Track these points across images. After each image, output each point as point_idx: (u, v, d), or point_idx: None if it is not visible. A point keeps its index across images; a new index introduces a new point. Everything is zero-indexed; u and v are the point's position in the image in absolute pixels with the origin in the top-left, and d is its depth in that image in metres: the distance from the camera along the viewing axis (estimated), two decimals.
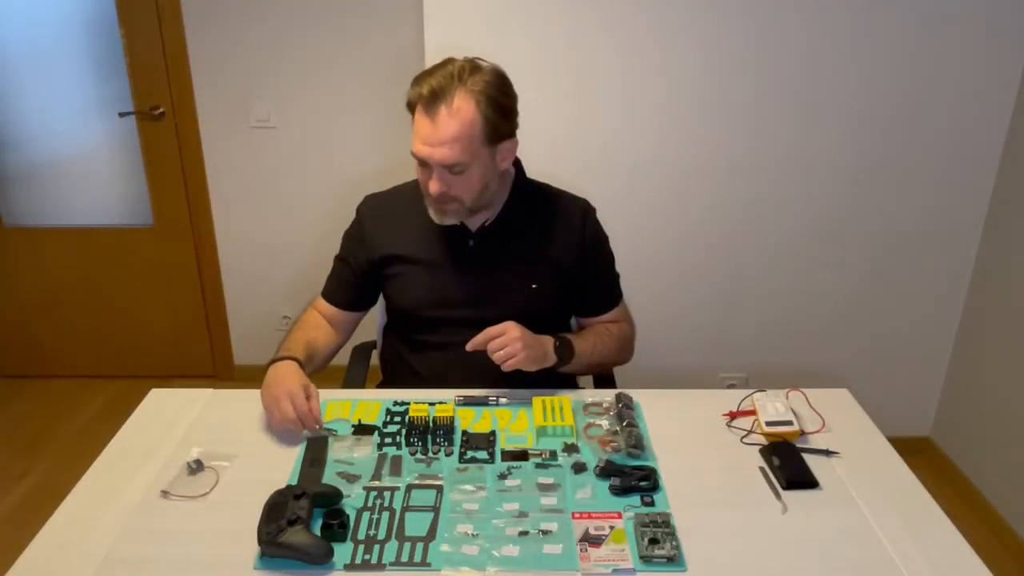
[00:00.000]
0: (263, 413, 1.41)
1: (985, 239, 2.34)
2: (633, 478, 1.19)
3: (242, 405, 1.45)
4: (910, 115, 2.22)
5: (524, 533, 1.10)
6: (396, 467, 1.25)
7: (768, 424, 1.32)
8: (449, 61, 1.37)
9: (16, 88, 2.77)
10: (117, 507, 1.16)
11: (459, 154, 1.34)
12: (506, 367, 1.36)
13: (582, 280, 1.57)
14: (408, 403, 1.42)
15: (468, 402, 1.42)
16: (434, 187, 1.38)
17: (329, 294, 1.64)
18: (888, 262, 2.39)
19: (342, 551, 1.06)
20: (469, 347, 1.37)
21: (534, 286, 1.52)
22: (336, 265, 1.64)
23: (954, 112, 2.21)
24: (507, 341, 1.36)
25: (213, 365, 3.12)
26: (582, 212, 1.57)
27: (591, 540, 1.09)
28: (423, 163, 1.39)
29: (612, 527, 1.11)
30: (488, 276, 1.52)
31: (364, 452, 1.29)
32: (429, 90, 1.33)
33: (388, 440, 1.32)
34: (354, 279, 1.60)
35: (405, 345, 1.60)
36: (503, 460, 1.27)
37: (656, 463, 1.26)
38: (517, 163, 1.57)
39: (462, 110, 1.33)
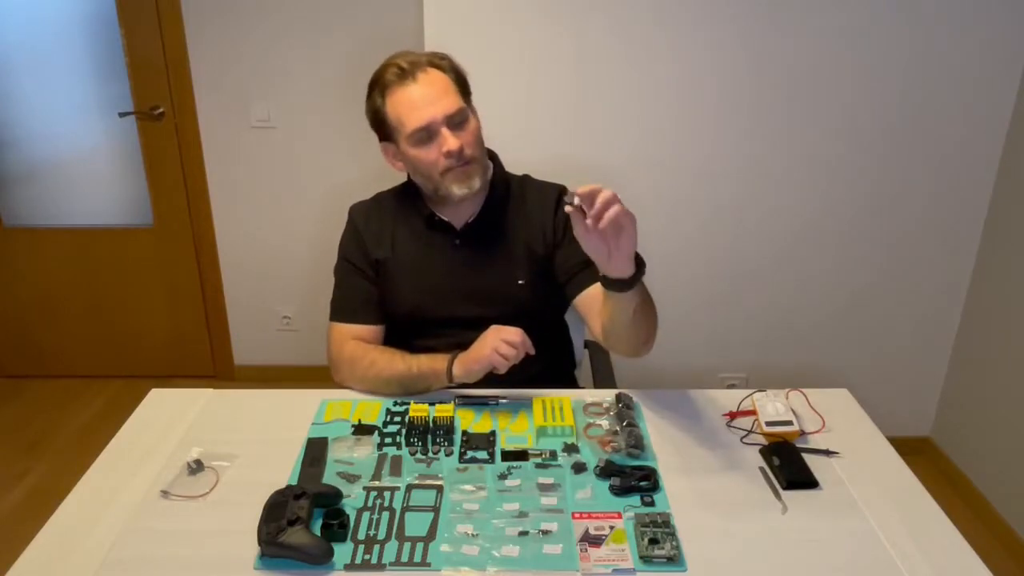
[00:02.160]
0: (263, 413, 1.42)
1: (985, 239, 2.34)
2: (633, 478, 1.19)
3: (242, 405, 1.45)
4: (910, 115, 2.22)
5: (524, 533, 1.10)
6: (396, 467, 1.25)
7: (768, 424, 1.32)
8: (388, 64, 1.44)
9: (16, 88, 2.77)
10: (117, 507, 1.16)
11: (457, 99, 1.41)
12: (610, 215, 1.12)
13: (563, 252, 1.51)
14: (408, 403, 1.42)
15: (468, 402, 1.42)
16: (453, 142, 1.38)
17: (356, 314, 1.53)
18: (888, 262, 2.39)
19: (342, 551, 1.06)
20: (570, 192, 1.14)
21: (520, 282, 1.52)
22: (345, 281, 1.56)
23: (954, 112, 2.21)
24: (611, 198, 1.13)
25: (213, 365, 3.12)
26: (557, 193, 1.55)
27: (591, 540, 1.09)
28: (426, 136, 1.39)
29: (612, 527, 1.11)
30: (476, 275, 1.52)
31: (364, 452, 1.29)
32: (399, 70, 1.40)
33: (388, 440, 1.32)
34: (370, 285, 1.55)
35: (404, 350, 1.58)
36: (503, 460, 1.27)
37: (656, 463, 1.26)
38: (495, 157, 1.57)
39: (436, 73, 1.41)
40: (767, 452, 1.28)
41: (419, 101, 1.38)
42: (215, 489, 1.20)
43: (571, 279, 1.51)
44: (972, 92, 2.19)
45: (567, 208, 1.15)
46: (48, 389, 3.04)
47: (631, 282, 1.23)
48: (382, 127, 1.46)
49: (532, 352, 1.35)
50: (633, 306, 1.28)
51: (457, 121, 1.40)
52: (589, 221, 1.14)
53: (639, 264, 1.23)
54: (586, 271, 1.47)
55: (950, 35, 2.13)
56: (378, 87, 1.43)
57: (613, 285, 1.24)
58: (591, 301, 1.46)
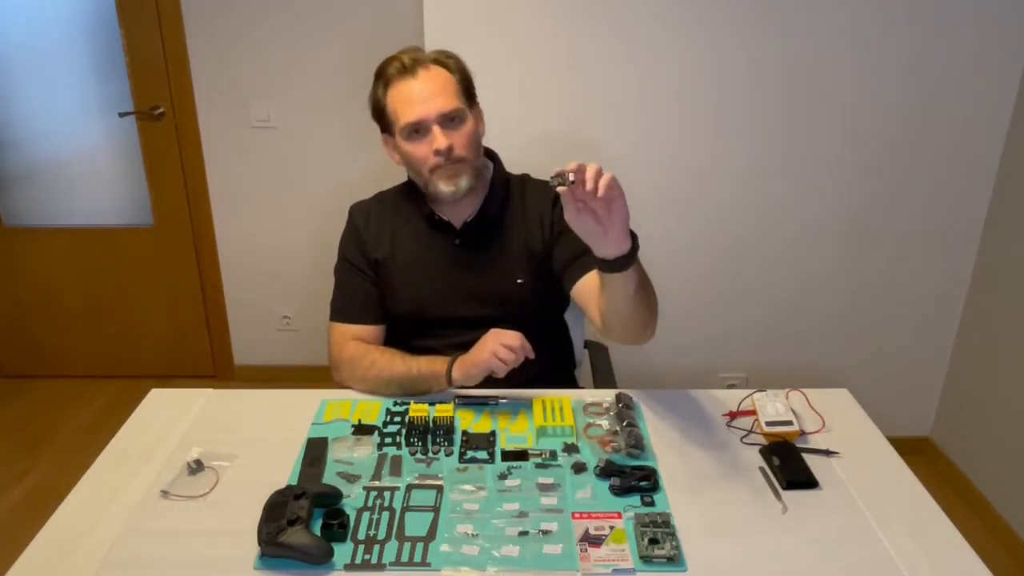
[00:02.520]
0: (263, 413, 1.42)
1: (985, 239, 2.34)
2: (633, 478, 1.19)
3: (242, 405, 1.46)
4: (910, 116, 2.22)
5: (524, 533, 1.10)
6: (396, 467, 1.25)
7: (768, 424, 1.32)
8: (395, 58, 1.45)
9: (16, 88, 2.77)
10: (117, 507, 1.16)
11: (453, 99, 1.41)
12: (604, 182, 1.10)
13: (560, 245, 1.49)
14: (408, 403, 1.42)
15: (468, 402, 1.42)
16: (442, 141, 1.38)
17: (356, 314, 1.54)
18: (888, 262, 2.39)
19: (342, 551, 1.06)
20: (557, 172, 1.11)
21: (520, 281, 1.52)
22: (345, 281, 1.56)
23: (954, 112, 2.21)
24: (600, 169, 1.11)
25: (213, 365, 3.12)
26: (555, 190, 1.53)
27: (591, 540, 1.09)
28: (419, 131, 1.40)
29: (612, 527, 1.11)
30: (476, 275, 1.52)
31: (364, 452, 1.29)
32: (401, 66, 1.40)
33: (388, 440, 1.32)
34: (370, 284, 1.55)
35: (404, 351, 1.58)
36: (503, 460, 1.27)
37: (656, 463, 1.26)
38: (495, 157, 1.57)
39: (439, 71, 1.42)
40: (767, 452, 1.28)
41: (415, 97, 1.40)
42: (215, 489, 1.20)
43: (569, 267, 1.48)
44: (972, 92, 2.19)
45: (561, 189, 1.12)
46: (48, 389, 3.04)
47: (628, 258, 1.19)
48: (382, 118, 1.47)
49: (531, 356, 1.34)
50: (633, 286, 1.24)
51: (451, 120, 1.40)
52: (580, 203, 1.13)
53: (632, 239, 1.20)
54: (583, 258, 1.42)
55: (950, 35, 2.13)
56: (381, 79, 1.45)
57: (611, 266, 1.20)
58: (590, 288, 1.42)
